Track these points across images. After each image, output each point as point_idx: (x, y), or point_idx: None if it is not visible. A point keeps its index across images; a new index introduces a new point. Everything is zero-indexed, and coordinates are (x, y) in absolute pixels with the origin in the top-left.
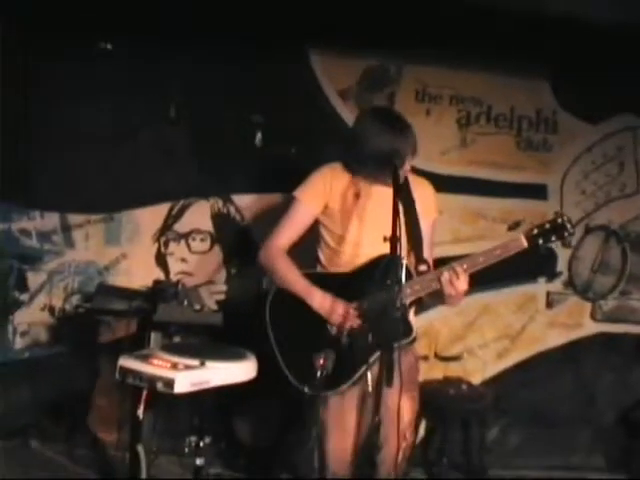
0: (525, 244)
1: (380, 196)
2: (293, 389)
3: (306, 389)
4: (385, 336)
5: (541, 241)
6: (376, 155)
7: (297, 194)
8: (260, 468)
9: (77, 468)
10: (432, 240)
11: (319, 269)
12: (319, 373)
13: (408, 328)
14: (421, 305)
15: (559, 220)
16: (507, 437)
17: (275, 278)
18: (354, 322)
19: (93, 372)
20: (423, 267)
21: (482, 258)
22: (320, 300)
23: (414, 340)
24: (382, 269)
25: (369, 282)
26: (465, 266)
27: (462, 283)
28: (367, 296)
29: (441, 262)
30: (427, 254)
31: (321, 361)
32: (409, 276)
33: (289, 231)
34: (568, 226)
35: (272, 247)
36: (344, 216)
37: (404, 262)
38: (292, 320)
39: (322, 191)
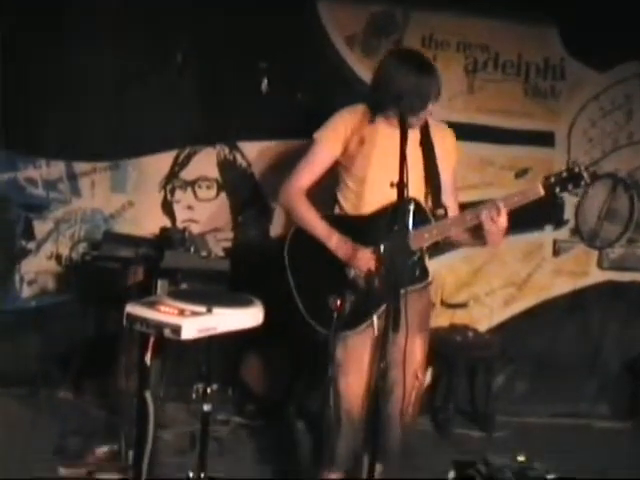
0: (542, 192)
1: (392, 140)
2: (309, 330)
3: (322, 329)
4: (401, 280)
5: (558, 189)
6: (400, 97)
7: (317, 136)
8: (267, 414)
9: (86, 414)
10: (454, 186)
11: (337, 211)
12: (335, 314)
13: (424, 272)
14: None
15: (576, 169)
16: (513, 384)
17: (294, 219)
18: (371, 265)
19: (100, 320)
20: (441, 211)
21: (502, 203)
22: (339, 244)
23: (430, 284)
24: (396, 214)
25: (385, 226)
26: (466, 217)
27: (502, 219)
28: (384, 240)
29: None
30: (451, 200)
31: (338, 303)
32: (427, 221)
33: (309, 173)
34: (585, 175)
35: (292, 188)
36: (363, 159)
37: (411, 208)
38: (310, 261)
39: (342, 133)
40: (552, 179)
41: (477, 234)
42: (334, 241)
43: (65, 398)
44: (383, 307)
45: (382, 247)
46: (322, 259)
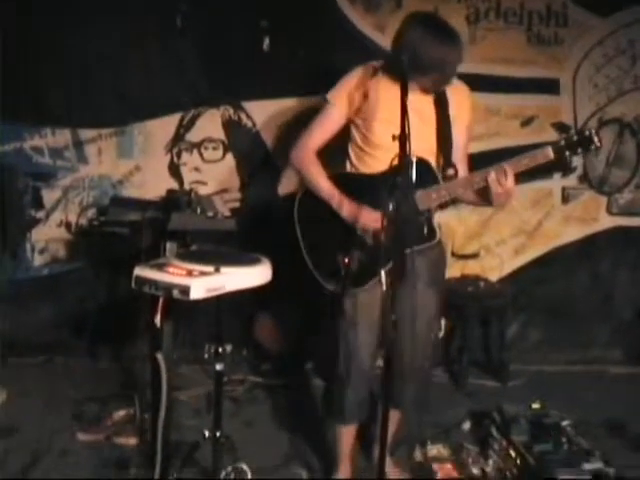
0: (552, 155)
1: (414, 102)
2: (319, 287)
3: (331, 287)
4: (408, 239)
5: (568, 152)
6: (424, 65)
7: (328, 96)
8: (281, 372)
9: (102, 380)
10: (466, 145)
11: (348, 169)
12: (343, 272)
13: (432, 232)
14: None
15: (586, 132)
16: (527, 333)
17: (304, 180)
18: (377, 225)
19: (112, 285)
20: (451, 171)
21: (510, 167)
22: (342, 205)
23: (438, 243)
24: (409, 172)
25: (392, 184)
26: (475, 178)
27: (510, 182)
28: (390, 199)
29: None
30: (461, 157)
31: (346, 260)
32: (436, 181)
33: (320, 133)
34: (595, 139)
35: (303, 149)
36: (370, 116)
37: (414, 160)
38: (319, 220)
39: (354, 93)
40: (562, 142)
41: (483, 195)
42: (337, 202)
43: (81, 364)
44: (390, 264)
45: (389, 205)
46: (331, 218)
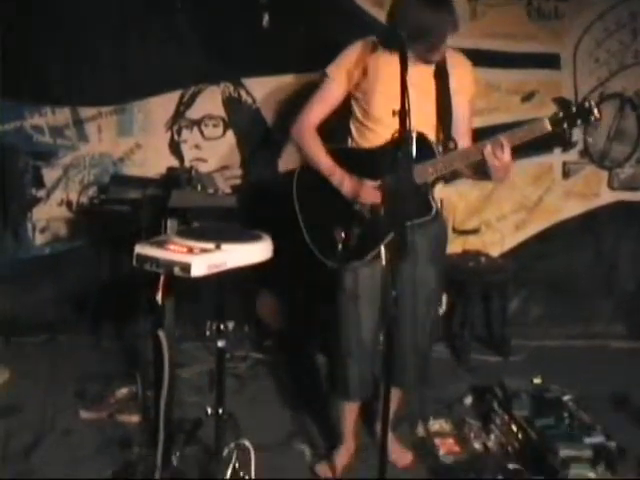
0: (549, 127)
1: (413, 76)
2: (320, 263)
3: (328, 262)
4: (406, 212)
5: (566, 125)
6: (414, 31)
7: (327, 70)
8: (284, 348)
9: (105, 358)
10: (469, 118)
11: (350, 143)
12: (340, 246)
13: (429, 206)
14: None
15: (586, 104)
16: (528, 308)
17: (303, 155)
18: (376, 199)
19: (114, 263)
20: (451, 145)
21: (506, 140)
22: (341, 180)
23: (436, 217)
24: (408, 146)
25: (391, 159)
26: (467, 153)
27: (506, 156)
28: (389, 173)
29: None
30: (464, 131)
31: (342, 235)
32: (433, 155)
33: (320, 107)
34: (595, 111)
35: (302, 123)
36: (370, 90)
37: (414, 136)
38: (317, 195)
39: (353, 67)
40: (560, 114)
41: (481, 170)
42: (337, 177)
43: (83, 343)
44: (390, 237)
45: (387, 179)
46: (329, 193)
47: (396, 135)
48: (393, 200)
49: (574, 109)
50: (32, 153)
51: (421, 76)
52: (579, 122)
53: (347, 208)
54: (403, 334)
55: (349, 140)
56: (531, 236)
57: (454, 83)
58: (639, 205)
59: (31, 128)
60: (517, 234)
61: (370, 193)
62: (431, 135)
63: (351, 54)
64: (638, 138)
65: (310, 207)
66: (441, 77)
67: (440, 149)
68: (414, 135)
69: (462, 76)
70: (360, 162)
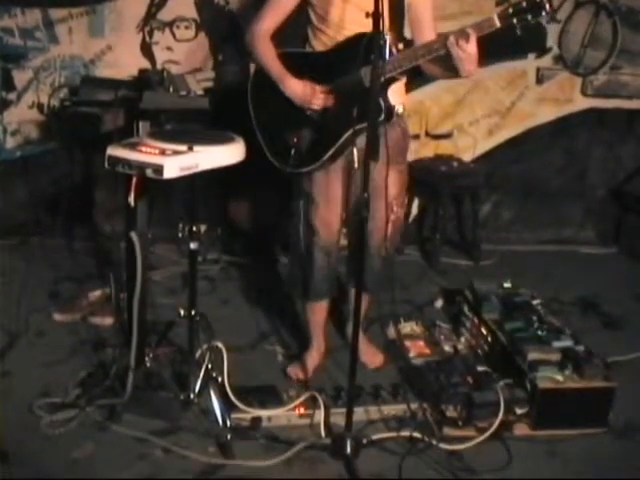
0: (497, 24)
1: None
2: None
3: (281, 166)
4: (360, 114)
5: (515, 20)
6: None
7: None
8: (256, 251)
9: (78, 260)
10: (431, 13)
11: (307, 49)
12: (292, 151)
13: (378, 108)
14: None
15: None
16: (499, 212)
17: (256, 62)
18: (328, 102)
19: (85, 165)
20: (401, 45)
21: (470, 29)
22: (293, 86)
23: (389, 118)
24: (362, 46)
25: (349, 60)
26: (423, 49)
27: (471, 45)
28: (345, 74)
29: None
30: (429, 26)
31: (294, 140)
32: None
33: (273, 15)
34: (546, 5)
35: (255, 31)
36: None
37: (387, 38)
38: (271, 100)
39: None
40: (510, 10)
41: (449, 66)
42: (286, 82)
43: (56, 245)
44: (342, 140)
45: (341, 81)
46: (281, 98)
47: (354, 36)
48: (349, 102)
49: (525, 4)
50: (2, 55)
51: None
52: (529, 17)
53: (299, 113)
54: (368, 233)
55: (306, 46)
56: (504, 141)
57: None
58: (611, 112)
59: (0, 30)
60: (490, 139)
61: (320, 97)
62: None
63: None
64: (612, 45)
65: (264, 112)
66: None
67: (394, 49)
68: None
69: None
70: (313, 66)
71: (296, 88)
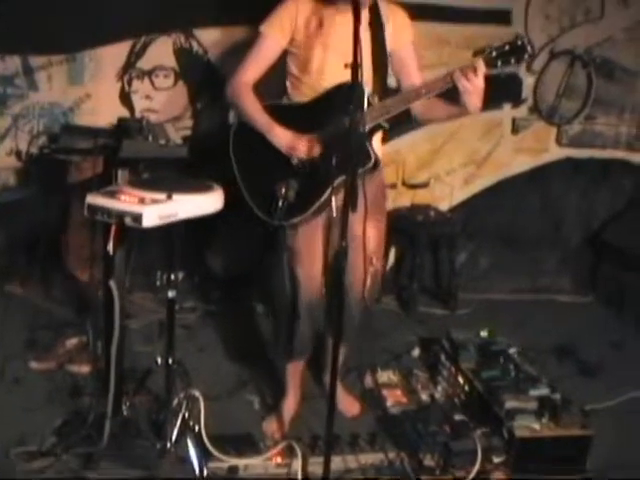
0: (484, 67)
1: (345, 24)
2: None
3: (270, 219)
4: (344, 163)
5: (500, 63)
6: None
7: (262, 28)
8: (233, 299)
9: (54, 307)
10: (416, 59)
11: (285, 100)
12: (280, 203)
13: (367, 155)
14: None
15: (518, 42)
16: (476, 261)
17: (239, 113)
18: (314, 152)
19: (63, 213)
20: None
21: (459, 71)
22: (280, 135)
23: (375, 167)
24: (343, 96)
25: (331, 110)
26: (424, 89)
27: (480, 79)
28: (328, 124)
29: None
30: (415, 71)
31: (282, 191)
32: (367, 104)
33: (254, 66)
34: (528, 47)
35: (237, 82)
36: (308, 45)
37: (366, 89)
38: (255, 152)
39: (287, 23)
40: (493, 53)
41: (451, 103)
42: (273, 132)
43: (33, 292)
44: (330, 190)
45: (326, 131)
46: (265, 149)
47: (337, 86)
48: (334, 152)
49: (507, 47)
50: None
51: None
52: (513, 60)
53: (285, 164)
54: (348, 287)
55: (284, 98)
56: (480, 190)
57: (390, 31)
58: (586, 161)
59: None
60: (466, 188)
61: (307, 146)
62: (367, 86)
63: (286, 11)
64: (587, 95)
65: (247, 164)
66: (375, 27)
67: (375, 99)
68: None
69: (399, 23)
70: (296, 117)
71: (284, 137)
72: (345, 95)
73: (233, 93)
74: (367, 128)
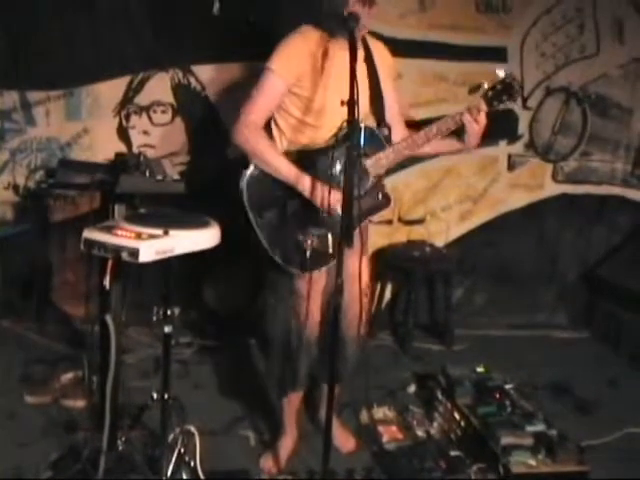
0: (485, 107)
1: (342, 59)
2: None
3: (298, 269)
4: (368, 209)
5: (496, 102)
6: (334, 14)
7: (270, 65)
8: (229, 335)
9: (47, 343)
10: (399, 99)
11: (280, 142)
12: (308, 253)
13: (386, 198)
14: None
15: (507, 80)
16: (472, 297)
17: (254, 159)
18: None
19: (59, 248)
20: (385, 130)
21: (468, 115)
22: (310, 186)
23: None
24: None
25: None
26: (434, 130)
27: (483, 118)
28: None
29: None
30: (398, 112)
31: (309, 241)
32: (381, 144)
33: (264, 105)
34: (515, 84)
35: (248, 124)
36: (312, 84)
37: (362, 126)
38: (276, 202)
39: (295, 60)
40: (490, 93)
41: (453, 139)
42: (304, 182)
43: (28, 327)
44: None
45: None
46: (289, 198)
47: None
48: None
49: (499, 86)
50: None
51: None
52: (505, 98)
53: (311, 212)
54: (343, 326)
55: (278, 139)
56: (476, 226)
57: (380, 67)
58: (582, 198)
59: None
60: (462, 224)
61: (336, 195)
62: (367, 121)
63: (293, 48)
64: (582, 132)
65: (267, 214)
66: (370, 62)
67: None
68: (362, 125)
69: (384, 60)
70: (314, 163)
71: (315, 189)
72: (359, 136)
73: (244, 137)
74: (383, 171)
